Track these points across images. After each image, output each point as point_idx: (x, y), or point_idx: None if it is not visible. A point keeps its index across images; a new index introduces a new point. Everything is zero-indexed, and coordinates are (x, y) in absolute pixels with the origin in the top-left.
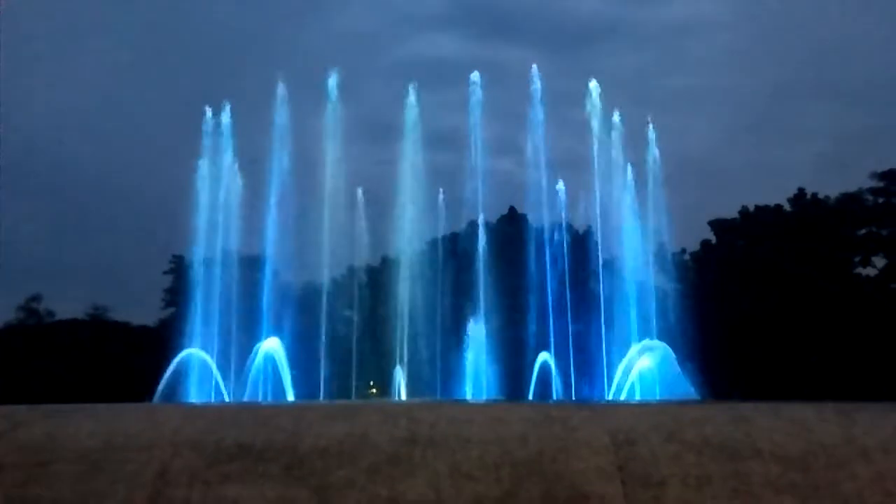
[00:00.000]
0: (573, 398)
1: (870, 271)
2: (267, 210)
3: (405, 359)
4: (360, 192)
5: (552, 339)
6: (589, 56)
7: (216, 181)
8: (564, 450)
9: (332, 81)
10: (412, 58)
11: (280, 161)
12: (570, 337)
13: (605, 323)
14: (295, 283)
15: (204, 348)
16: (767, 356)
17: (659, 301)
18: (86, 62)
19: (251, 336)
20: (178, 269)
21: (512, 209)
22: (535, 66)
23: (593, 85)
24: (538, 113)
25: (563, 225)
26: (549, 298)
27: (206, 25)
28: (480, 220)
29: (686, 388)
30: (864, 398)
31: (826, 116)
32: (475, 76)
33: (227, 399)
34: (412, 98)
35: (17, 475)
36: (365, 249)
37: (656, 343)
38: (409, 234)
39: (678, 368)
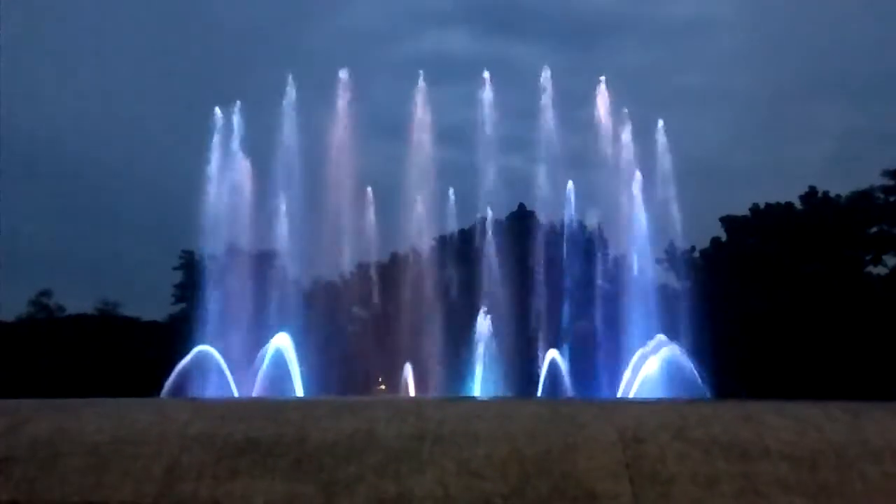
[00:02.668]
0: (582, 395)
1: (881, 270)
2: (276, 206)
3: (414, 355)
4: (369, 188)
5: (561, 336)
6: (598, 53)
7: (226, 177)
8: (573, 447)
9: (341, 78)
10: (421, 54)
11: (289, 157)
12: (580, 334)
13: (614, 320)
14: (304, 279)
15: (213, 344)
16: (776, 354)
17: (668, 298)
18: (97, 60)
19: (261, 332)
20: (188, 264)
21: (521, 206)
22: (546, 67)
23: (603, 82)
24: (547, 110)
25: (573, 222)
26: (559, 295)
27: (215, 21)
28: (489, 217)
29: (695, 386)
30: (874, 398)
31: (836, 115)
32: (485, 74)
33: (235, 394)
34: (421, 95)
35: (26, 469)
36: (374, 246)
37: (665, 340)
38: (419, 230)
39: (687, 366)
